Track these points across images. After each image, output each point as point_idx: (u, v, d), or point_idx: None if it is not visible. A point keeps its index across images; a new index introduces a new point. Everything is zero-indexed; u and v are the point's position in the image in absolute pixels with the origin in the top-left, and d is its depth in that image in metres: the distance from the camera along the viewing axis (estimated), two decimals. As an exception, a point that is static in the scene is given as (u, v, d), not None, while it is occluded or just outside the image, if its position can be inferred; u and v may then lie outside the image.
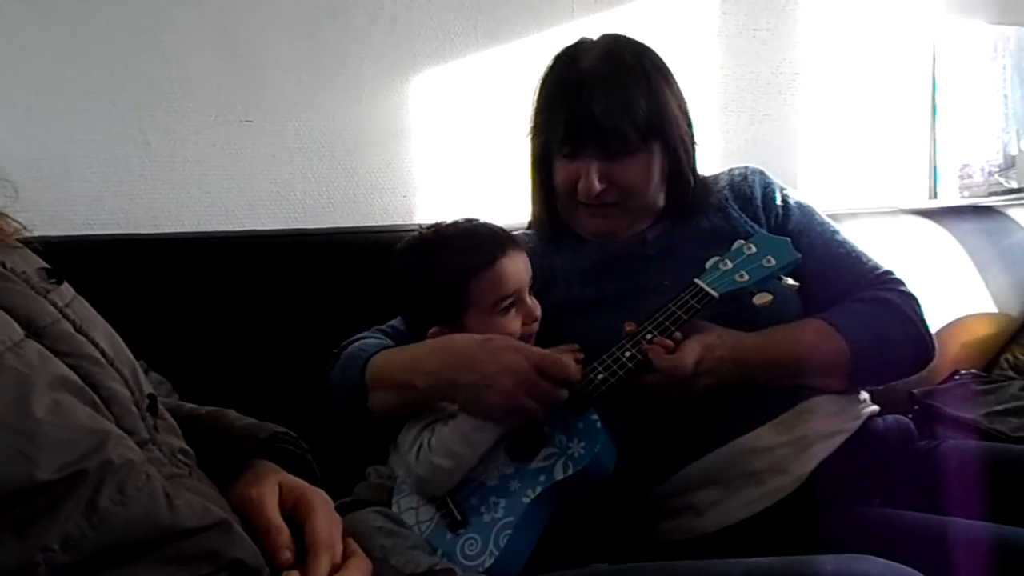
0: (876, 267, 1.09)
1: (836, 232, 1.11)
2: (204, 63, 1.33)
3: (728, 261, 1.00)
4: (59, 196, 1.24)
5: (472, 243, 0.98)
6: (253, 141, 1.38)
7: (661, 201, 1.09)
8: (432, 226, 1.03)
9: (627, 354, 0.94)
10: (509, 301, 0.97)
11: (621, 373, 0.93)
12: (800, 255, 1.01)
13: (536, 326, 1.00)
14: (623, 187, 1.04)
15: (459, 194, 1.54)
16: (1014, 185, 2.35)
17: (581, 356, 0.95)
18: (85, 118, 1.26)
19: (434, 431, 0.92)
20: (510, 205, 1.40)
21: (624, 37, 1.08)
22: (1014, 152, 2.36)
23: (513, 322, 0.98)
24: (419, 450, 0.92)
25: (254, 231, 1.35)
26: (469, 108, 1.55)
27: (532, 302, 1.00)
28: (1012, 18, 2.31)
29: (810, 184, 1.97)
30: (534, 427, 0.91)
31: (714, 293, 0.97)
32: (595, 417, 0.90)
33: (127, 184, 1.30)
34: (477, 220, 1.03)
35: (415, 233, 1.03)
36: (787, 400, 0.99)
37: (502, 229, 1.02)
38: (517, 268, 0.98)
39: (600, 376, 0.93)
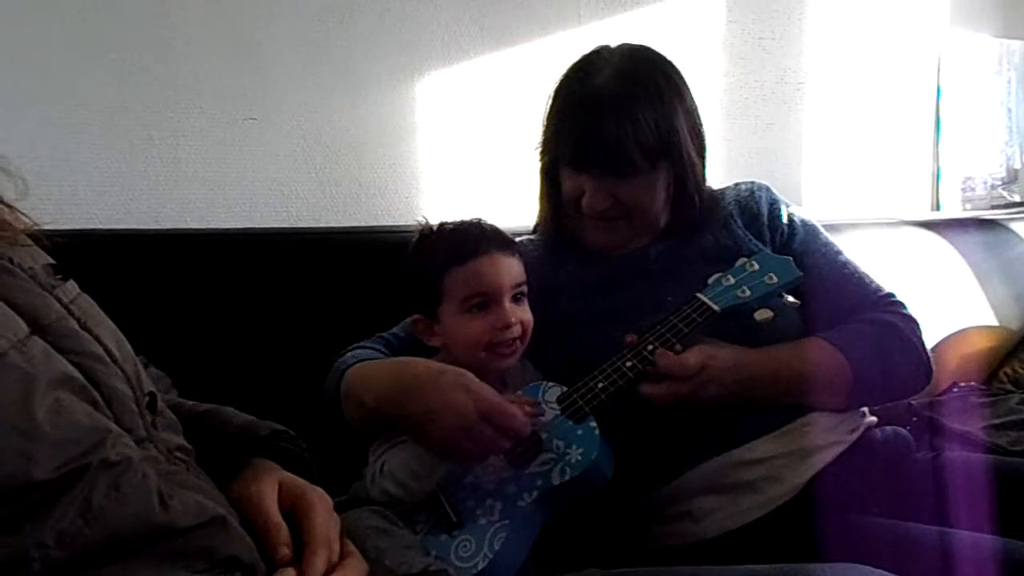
0: (878, 289, 1.09)
1: (840, 253, 1.12)
2: (209, 61, 1.33)
3: (730, 277, 1.01)
4: (63, 191, 1.24)
5: (458, 239, 0.99)
6: (257, 139, 1.38)
7: (666, 218, 1.09)
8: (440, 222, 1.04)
9: (628, 364, 0.94)
10: (478, 300, 0.96)
11: (621, 382, 0.93)
12: (802, 274, 1.01)
13: (510, 334, 0.96)
14: (628, 205, 1.05)
15: (463, 195, 1.55)
16: (1017, 199, 2.35)
17: (536, 413, 0.91)
18: (90, 114, 1.26)
19: (389, 455, 0.91)
20: (514, 207, 1.41)
21: (642, 50, 1.07)
22: (1017, 165, 2.36)
23: (479, 323, 0.96)
24: (374, 474, 0.92)
25: (256, 229, 1.35)
26: (474, 109, 1.56)
27: (510, 308, 0.96)
28: (1017, 32, 2.31)
29: (813, 194, 1.98)
30: (531, 433, 0.91)
31: (716, 307, 0.98)
32: (593, 424, 0.90)
33: (130, 180, 1.30)
34: (482, 220, 1.03)
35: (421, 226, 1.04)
36: (787, 415, 0.99)
37: (500, 232, 1.01)
38: (495, 270, 0.96)
39: (600, 384, 0.93)
